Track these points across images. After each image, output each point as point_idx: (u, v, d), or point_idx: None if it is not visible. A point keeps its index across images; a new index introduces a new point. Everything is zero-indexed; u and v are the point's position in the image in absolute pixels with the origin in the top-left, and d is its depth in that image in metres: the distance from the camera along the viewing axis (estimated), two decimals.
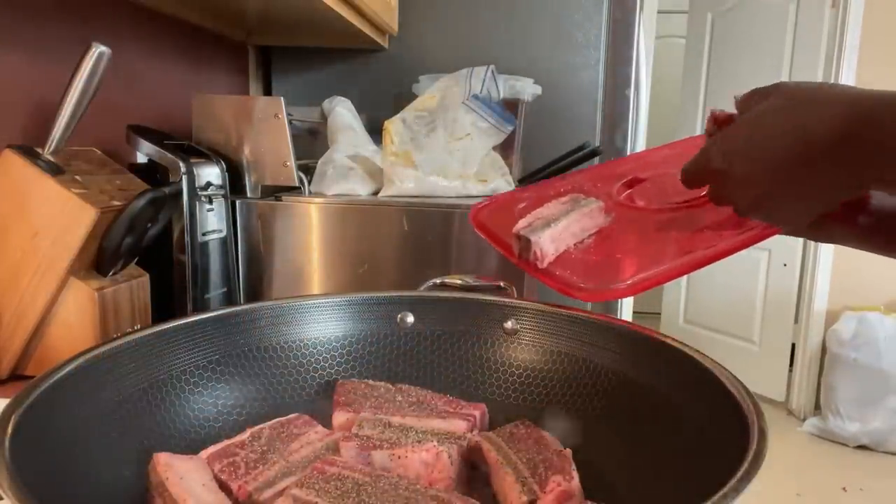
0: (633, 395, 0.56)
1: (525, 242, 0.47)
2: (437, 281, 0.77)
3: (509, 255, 0.49)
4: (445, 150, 1.00)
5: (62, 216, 0.66)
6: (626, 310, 1.46)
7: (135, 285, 0.76)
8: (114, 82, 0.91)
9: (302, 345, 0.64)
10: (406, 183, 0.99)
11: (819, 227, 0.46)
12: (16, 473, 0.34)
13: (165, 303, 0.83)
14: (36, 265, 0.66)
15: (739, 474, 0.35)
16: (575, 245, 0.48)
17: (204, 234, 0.87)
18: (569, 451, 0.52)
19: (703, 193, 0.49)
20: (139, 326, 0.75)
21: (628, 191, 0.55)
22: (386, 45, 1.37)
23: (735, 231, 0.44)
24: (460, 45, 1.37)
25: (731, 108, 0.46)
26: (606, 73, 1.36)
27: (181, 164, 0.83)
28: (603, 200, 0.52)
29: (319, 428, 0.57)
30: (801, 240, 2.71)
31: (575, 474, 0.48)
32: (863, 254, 0.47)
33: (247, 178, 0.99)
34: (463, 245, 0.97)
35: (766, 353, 3.00)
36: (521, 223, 0.48)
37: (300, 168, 1.00)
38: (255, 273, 1.00)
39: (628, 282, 0.43)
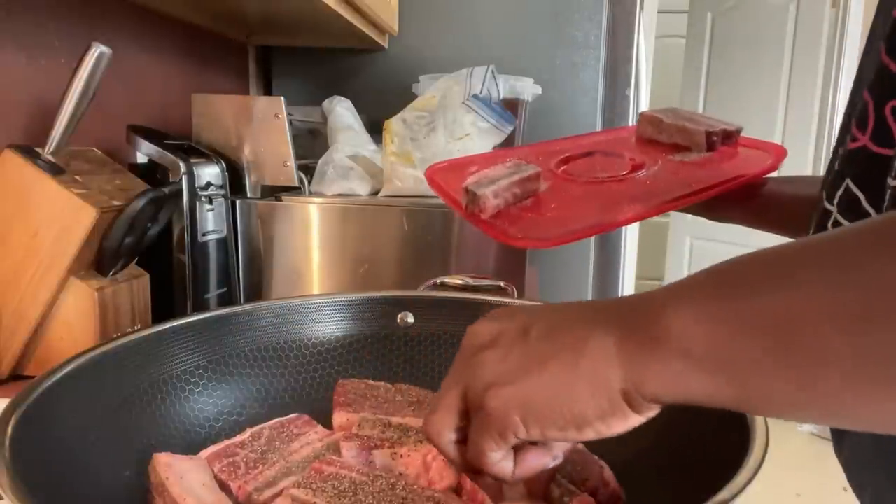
0: None
1: (472, 196, 0.53)
2: (437, 281, 0.77)
3: (457, 208, 0.56)
4: (445, 150, 1.00)
5: (62, 216, 0.66)
6: None
7: (135, 285, 0.76)
8: (114, 82, 0.91)
9: (302, 345, 0.64)
10: (406, 183, 0.99)
11: (716, 209, 0.56)
12: (16, 473, 0.34)
13: (165, 303, 0.83)
14: (36, 265, 0.66)
15: (739, 474, 0.35)
16: (515, 203, 0.55)
17: (204, 234, 0.87)
18: (581, 446, 0.52)
19: (622, 173, 0.59)
20: (139, 326, 0.75)
21: (564, 166, 0.64)
22: (386, 45, 1.37)
23: (644, 204, 0.53)
24: (460, 45, 1.37)
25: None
26: (606, 73, 1.36)
27: (181, 164, 0.83)
28: (542, 170, 0.61)
29: (319, 428, 0.56)
30: None
31: (604, 463, 0.49)
32: None
33: (247, 178, 0.99)
34: (463, 245, 0.97)
35: None
36: (470, 179, 0.56)
37: (300, 168, 1.00)
38: (255, 273, 1.00)
39: (554, 235, 0.51)
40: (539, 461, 0.36)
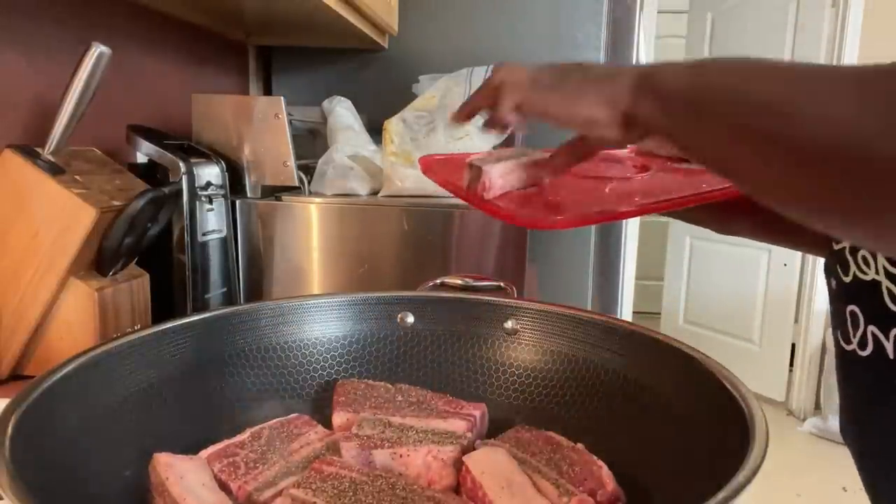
0: (632, 395, 0.56)
1: (476, 172, 0.51)
2: (437, 281, 0.77)
3: (456, 191, 0.54)
4: (445, 150, 1.00)
5: (62, 216, 0.66)
6: (626, 310, 1.46)
7: (135, 285, 0.76)
8: (114, 82, 0.91)
9: (302, 345, 0.64)
10: (406, 183, 0.99)
11: (725, 223, 0.57)
12: (16, 473, 0.34)
13: (165, 303, 0.83)
14: (36, 265, 0.66)
15: (739, 474, 0.35)
16: (518, 189, 0.54)
17: (204, 234, 0.87)
18: (581, 445, 0.52)
19: (628, 174, 0.58)
20: (139, 326, 0.75)
21: None
22: (386, 45, 1.37)
23: (655, 198, 0.52)
24: (460, 45, 1.37)
25: None
26: None
27: (181, 164, 0.83)
28: None
29: (319, 428, 0.57)
30: None
31: (602, 463, 0.49)
32: None
33: (247, 178, 0.99)
34: (463, 245, 0.97)
35: (766, 353, 3.00)
36: (475, 156, 0.54)
37: (300, 168, 1.00)
38: (255, 273, 1.00)
39: (561, 217, 0.50)
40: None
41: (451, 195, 0.55)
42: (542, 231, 1.10)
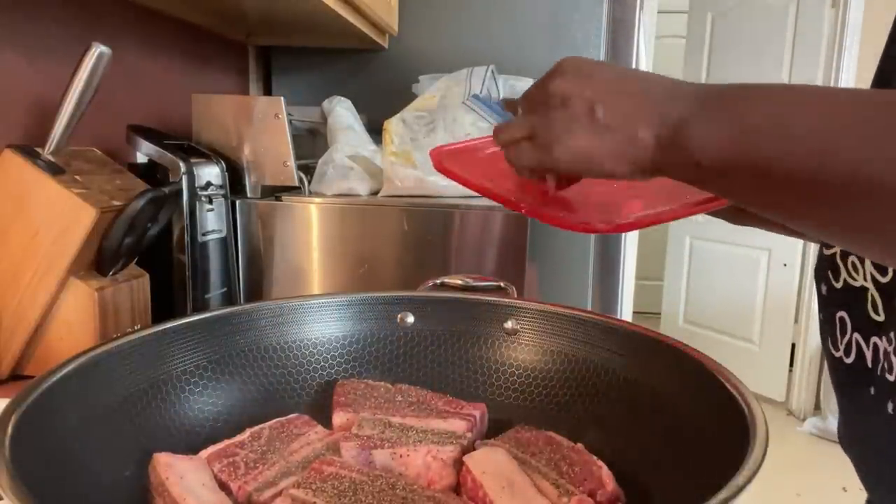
0: (632, 395, 0.56)
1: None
2: (437, 281, 0.77)
3: (484, 192, 0.51)
4: None
5: (62, 216, 0.66)
6: (626, 310, 1.46)
7: (135, 285, 0.76)
8: (114, 82, 0.91)
9: (302, 345, 0.64)
10: (406, 183, 0.99)
11: (738, 214, 0.54)
12: (16, 473, 0.34)
13: (165, 303, 0.83)
14: (36, 265, 0.66)
15: (739, 474, 0.35)
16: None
17: (204, 234, 0.87)
18: (581, 445, 0.52)
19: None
20: (139, 326, 0.75)
21: None
22: (386, 45, 1.37)
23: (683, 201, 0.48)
24: (460, 45, 1.37)
25: None
26: None
27: (181, 164, 0.83)
28: None
29: (319, 428, 0.56)
30: (801, 240, 2.71)
31: (602, 463, 0.49)
32: None
33: (247, 178, 0.99)
34: (463, 245, 0.97)
35: (766, 353, 3.00)
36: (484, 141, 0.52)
37: (300, 168, 1.00)
38: (255, 273, 1.00)
39: (629, 218, 0.47)
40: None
41: (451, 195, 0.54)
42: (542, 230, 1.10)
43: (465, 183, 0.53)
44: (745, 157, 0.34)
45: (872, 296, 0.47)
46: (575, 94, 0.41)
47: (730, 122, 0.35)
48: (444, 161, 0.55)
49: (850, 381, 0.50)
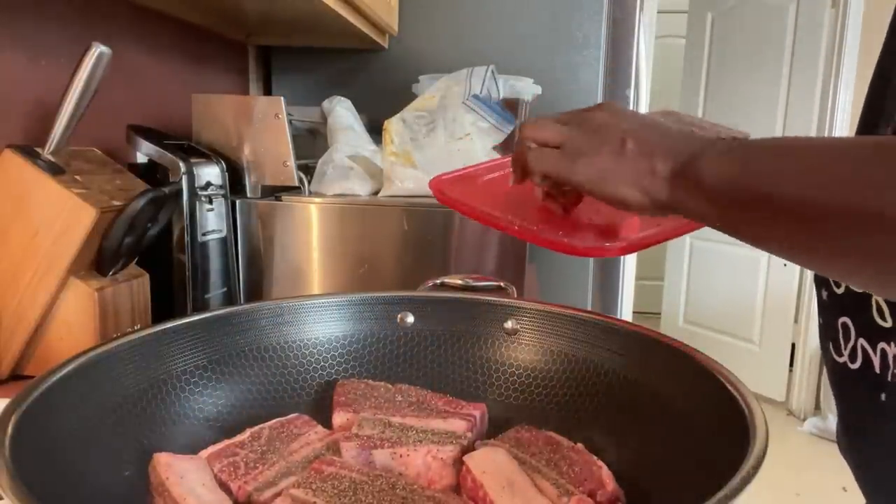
0: (632, 395, 0.56)
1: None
2: (437, 281, 0.77)
3: (490, 221, 0.53)
4: (445, 150, 1.00)
5: (62, 216, 0.66)
6: (626, 310, 1.46)
7: (135, 285, 0.76)
8: (114, 82, 0.91)
9: (302, 345, 0.64)
10: (406, 183, 0.99)
11: None
12: (16, 473, 0.34)
13: (165, 303, 0.83)
14: (36, 265, 0.66)
15: (739, 474, 0.35)
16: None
17: (204, 234, 0.87)
18: (581, 445, 0.52)
19: None
20: (139, 326, 0.75)
21: None
22: (386, 45, 1.37)
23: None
24: (460, 45, 1.37)
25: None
26: (606, 72, 1.36)
27: (181, 164, 0.83)
28: None
29: (319, 428, 0.56)
30: None
31: (602, 463, 0.49)
32: None
33: (247, 178, 0.99)
34: (463, 245, 0.97)
35: (766, 353, 3.00)
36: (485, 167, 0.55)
37: (300, 168, 1.00)
38: (255, 273, 1.00)
39: (627, 240, 0.51)
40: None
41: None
42: None
43: (469, 213, 0.55)
44: (748, 191, 0.37)
45: (878, 302, 0.47)
46: (612, 125, 0.46)
47: (740, 161, 0.39)
48: (445, 190, 0.57)
49: (856, 386, 0.50)
